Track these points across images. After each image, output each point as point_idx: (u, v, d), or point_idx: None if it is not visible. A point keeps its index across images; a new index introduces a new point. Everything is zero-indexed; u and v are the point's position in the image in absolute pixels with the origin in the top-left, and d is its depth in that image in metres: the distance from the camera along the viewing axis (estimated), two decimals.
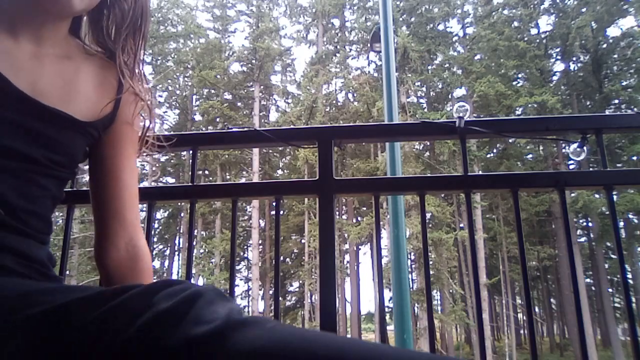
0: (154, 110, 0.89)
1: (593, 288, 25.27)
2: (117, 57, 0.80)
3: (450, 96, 23.10)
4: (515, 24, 22.44)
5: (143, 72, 0.86)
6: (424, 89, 24.24)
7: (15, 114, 0.66)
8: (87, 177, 0.86)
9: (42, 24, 0.72)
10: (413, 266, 23.26)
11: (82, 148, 0.77)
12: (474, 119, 1.24)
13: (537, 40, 22.26)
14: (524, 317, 13.80)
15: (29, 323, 0.48)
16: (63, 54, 0.76)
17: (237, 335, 0.40)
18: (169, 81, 25.33)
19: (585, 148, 1.18)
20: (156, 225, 24.35)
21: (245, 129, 1.32)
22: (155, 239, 24.41)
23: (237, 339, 0.40)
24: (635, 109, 11.11)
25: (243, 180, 22.25)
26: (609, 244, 20.44)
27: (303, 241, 23.33)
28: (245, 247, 26.53)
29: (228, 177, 24.12)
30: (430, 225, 18.66)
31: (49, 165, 0.70)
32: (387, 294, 13.05)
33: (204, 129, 23.30)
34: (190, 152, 1.30)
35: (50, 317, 0.48)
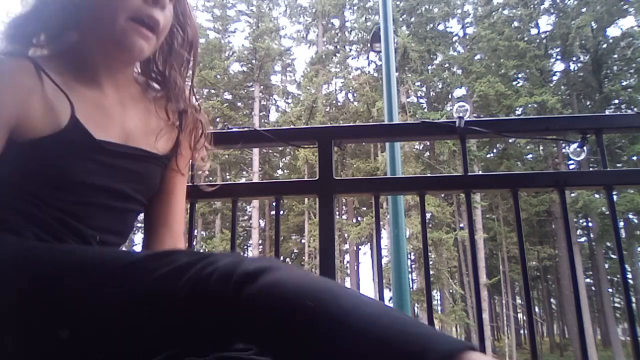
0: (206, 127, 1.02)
1: (593, 288, 25.27)
2: (168, 90, 0.91)
3: (450, 96, 23.09)
4: (515, 24, 22.43)
5: (194, 96, 0.98)
6: (424, 89, 24.23)
7: (110, 159, 0.79)
8: None
9: (118, 70, 0.84)
10: (413, 266, 23.25)
11: (160, 176, 0.91)
12: (474, 119, 1.24)
13: (537, 40, 22.25)
14: (524, 317, 13.80)
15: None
16: (136, 96, 0.88)
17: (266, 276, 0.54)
18: None
19: (585, 148, 1.18)
20: None
21: (245, 129, 1.32)
22: None
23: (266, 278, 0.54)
24: (635, 109, 11.12)
25: (243, 180, 22.25)
26: (609, 244, 20.43)
27: (303, 241, 23.34)
28: (245, 247, 26.53)
29: (228, 177, 24.12)
30: (430, 225, 18.65)
31: (136, 198, 0.85)
32: (387, 294, 13.03)
33: None
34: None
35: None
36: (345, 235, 21.03)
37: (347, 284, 24.25)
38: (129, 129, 0.83)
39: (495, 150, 23.05)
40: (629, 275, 18.91)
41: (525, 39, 21.83)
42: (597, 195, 17.82)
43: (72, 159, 0.75)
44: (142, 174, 0.85)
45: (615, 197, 1.20)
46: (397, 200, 4.37)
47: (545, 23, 30.78)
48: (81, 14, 0.79)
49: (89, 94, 0.80)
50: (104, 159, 0.79)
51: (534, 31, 22.81)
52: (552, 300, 30.09)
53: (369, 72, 23.50)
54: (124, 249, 0.89)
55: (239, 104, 26.17)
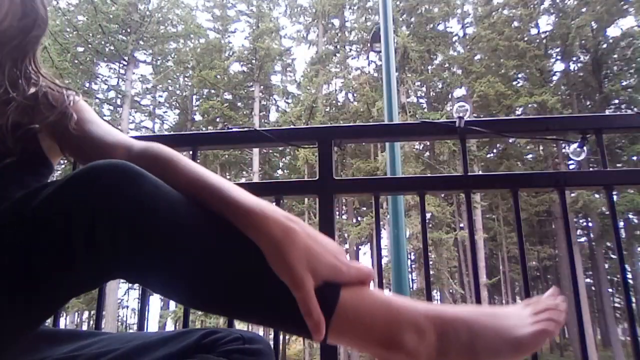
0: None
1: (593, 288, 25.25)
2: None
3: (450, 96, 23.09)
4: (515, 24, 22.42)
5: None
6: (424, 89, 24.23)
7: None
8: None
9: None
10: (413, 266, 23.24)
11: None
12: (474, 119, 1.25)
13: (537, 40, 22.25)
14: None
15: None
16: None
17: None
18: (169, 81, 25.31)
19: (585, 148, 1.18)
20: None
21: (245, 129, 1.32)
22: None
23: None
24: (635, 109, 11.10)
25: (243, 180, 22.24)
26: (609, 244, 20.42)
27: None
28: None
29: (228, 177, 24.13)
30: (430, 225, 18.64)
31: None
32: (387, 294, 13.00)
33: (204, 129, 23.30)
34: (191, 152, 1.30)
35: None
36: (345, 235, 21.03)
37: None
38: None
39: (495, 150, 23.05)
40: (629, 275, 18.90)
41: (525, 39, 21.82)
42: (597, 195, 17.81)
43: None
44: None
45: (615, 197, 1.20)
46: (397, 200, 4.37)
47: (545, 23, 30.74)
48: None
49: None
50: None
51: (534, 31, 22.80)
52: None
53: (369, 72, 23.49)
54: None
55: (239, 104, 26.16)
